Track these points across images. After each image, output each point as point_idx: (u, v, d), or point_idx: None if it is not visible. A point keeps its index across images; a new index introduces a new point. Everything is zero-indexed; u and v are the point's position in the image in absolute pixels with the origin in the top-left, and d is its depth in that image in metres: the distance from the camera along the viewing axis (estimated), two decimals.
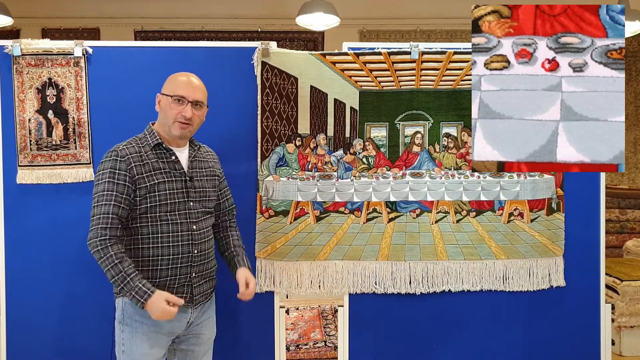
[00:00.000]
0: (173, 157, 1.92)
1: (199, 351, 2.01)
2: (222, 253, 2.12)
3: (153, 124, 1.96)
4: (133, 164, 1.83)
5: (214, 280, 2.05)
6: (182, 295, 1.89)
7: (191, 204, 1.92)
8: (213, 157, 2.11)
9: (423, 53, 2.38)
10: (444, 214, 2.44)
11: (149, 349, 1.85)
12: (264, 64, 2.35)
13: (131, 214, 1.84)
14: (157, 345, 1.88)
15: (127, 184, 1.82)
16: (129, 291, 1.74)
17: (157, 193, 1.84)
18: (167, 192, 1.87)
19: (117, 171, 1.82)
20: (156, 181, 1.85)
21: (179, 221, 1.88)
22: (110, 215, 1.78)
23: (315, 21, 4.23)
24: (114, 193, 1.80)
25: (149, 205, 1.84)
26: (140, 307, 1.76)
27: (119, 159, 1.83)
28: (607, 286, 3.18)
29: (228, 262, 2.10)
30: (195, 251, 1.91)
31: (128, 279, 1.74)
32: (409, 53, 2.38)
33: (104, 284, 1.96)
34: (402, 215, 2.44)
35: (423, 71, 2.41)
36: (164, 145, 1.91)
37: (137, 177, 1.83)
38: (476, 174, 2.44)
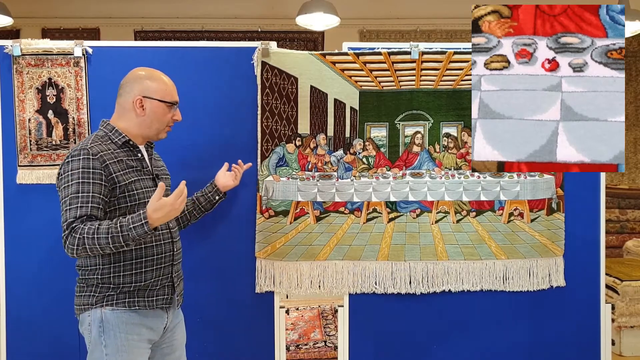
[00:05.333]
0: (140, 155, 1.86)
1: (174, 358, 1.96)
2: (189, 203, 2.15)
3: (109, 121, 1.86)
4: (107, 162, 1.72)
5: (183, 280, 2.01)
6: (163, 297, 1.85)
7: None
8: (159, 157, 2.05)
9: (423, 53, 2.38)
10: (444, 214, 2.44)
11: None
12: (264, 64, 2.35)
13: (109, 215, 1.74)
14: (141, 355, 1.81)
15: (103, 183, 1.69)
16: (128, 231, 1.61)
17: (134, 192, 1.78)
18: (143, 190, 1.80)
19: (90, 170, 1.68)
20: (132, 179, 1.78)
21: None
22: (85, 218, 1.65)
23: (315, 21, 4.24)
24: (91, 194, 1.67)
25: (128, 204, 1.76)
26: (151, 230, 1.63)
27: (90, 157, 1.69)
28: (607, 286, 3.18)
29: (200, 194, 2.19)
30: (175, 249, 1.89)
31: (117, 226, 1.62)
32: (409, 53, 2.38)
33: None
34: (402, 215, 2.43)
35: (423, 71, 2.41)
36: (131, 143, 1.83)
37: (112, 175, 1.72)
38: (476, 174, 2.44)
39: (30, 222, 2.31)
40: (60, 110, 2.31)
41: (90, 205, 1.66)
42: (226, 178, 2.23)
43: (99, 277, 1.77)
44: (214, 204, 2.21)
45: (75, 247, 1.63)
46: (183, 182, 1.69)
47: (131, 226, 1.62)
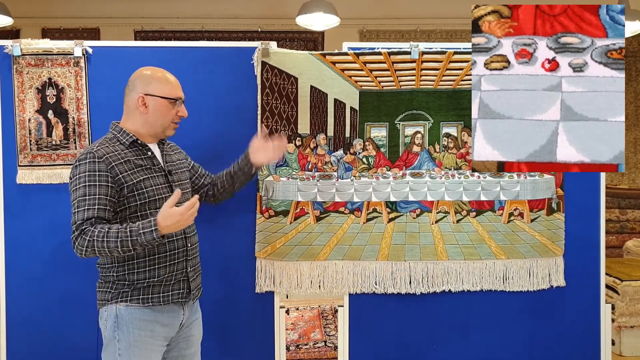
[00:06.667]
0: (150, 153, 1.89)
1: (189, 354, 1.98)
2: (229, 178, 2.13)
3: (118, 123, 1.90)
4: (113, 164, 1.76)
5: (201, 274, 2.04)
6: (179, 292, 1.87)
7: None
8: (177, 150, 2.08)
9: (423, 53, 2.38)
10: (444, 214, 2.44)
11: (148, 357, 1.82)
12: (264, 64, 2.35)
13: (120, 215, 1.78)
14: (154, 352, 1.84)
15: (109, 184, 1.74)
16: (137, 236, 1.65)
17: (144, 190, 1.80)
18: (153, 187, 1.83)
19: (96, 173, 1.73)
20: (140, 178, 1.81)
21: None
22: (94, 220, 1.70)
23: (315, 21, 4.24)
24: (97, 196, 1.71)
25: (138, 203, 1.79)
26: (160, 237, 1.67)
27: (96, 160, 1.75)
28: (607, 286, 3.18)
29: (237, 169, 2.12)
30: (189, 244, 1.91)
31: (127, 231, 1.66)
32: (409, 53, 2.38)
33: None
34: (402, 215, 2.43)
35: (423, 71, 2.41)
36: (139, 142, 1.87)
37: (119, 176, 1.76)
38: (476, 174, 2.44)
39: (30, 222, 2.31)
40: (60, 110, 2.31)
41: (96, 207, 1.71)
42: (267, 152, 2.09)
43: (115, 274, 1.82)
44: (252, 175, 2.15)
45: (84, 249, 1.68)
46: (196, 197, 1.73)
47: (141, 232, 1.66)
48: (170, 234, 1.82)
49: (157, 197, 1.83)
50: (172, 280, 1.86)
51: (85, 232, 1.68)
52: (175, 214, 1.67)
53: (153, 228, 1.65)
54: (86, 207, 1.70)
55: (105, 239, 1.66)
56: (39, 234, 2.31)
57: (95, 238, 1.66)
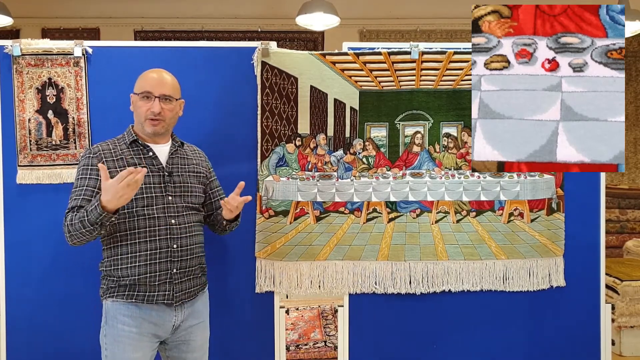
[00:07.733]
0: (150, 153, 1.92)
1: (192, 358, 1.97)
2: (217, 221, 2.07)
3: (133, 126, 1.97)
4: (105, 159, 1.85)
5: (199, 279, 1.99)
6: (165, 294, 1.85)
7: (170, 198, 1.89)
8: (199, 156, 2.09)
9: (423, 53, 2.38)
10: (444, 214, 2.44)
11: (132, 353, 1.81)
12: (263, 64, 2.35)
13: None
14: (141, 349, 1.83)
15: (98, 178, 1.81)
16: (90, 214, 1.68)
17: None
18: (144, 186, 1.84)
19: (89, 167, 1.85)
20: None
21: (156, 216, 1.85)
22: (76, 209, 1.78)
23: (315, 21, 4.23)
24: (84, 187, 1.82)
25: None
26: (105, 213, 1.67)
27: (91, 155, 1.87)
28: (607, 286, 3.18)
29: (218, 217, 2.06)
30: (175, 246, 1.87)
31: (85, 210, 1.72)
32: (409, 53, 2.38)
33: None
34: (402, 215, 2.43)
35: (423, 71, 2.41)
36: (139, 142, 1.92)
37: (108, 170, 1.78)
38: (476, 174, 2.44)
39: (30, 222, 2.31)
40: (60, 110, 2.31)
41: (81, 197, 1.81)
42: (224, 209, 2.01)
43: (104, 269, 1.89)
44: (226, 224, 2.08)
45: (66, 235, 1.79)
46: (132, 169, 1.69)
47: (90, 209, 1.71)
48: (152, 234, 1.85)
49: (146, 196, 1.85)
50: (156, 280, 1.85)
51: (66, 219, 1.79)
52: (111, 185, 1.67)
53: (96, 203, 1.69)
54: (74, 198, 1.82)
55: (73, 222, 1.74)
56: (39, 234, 2.31)
57: (68, 222, 1.76)
